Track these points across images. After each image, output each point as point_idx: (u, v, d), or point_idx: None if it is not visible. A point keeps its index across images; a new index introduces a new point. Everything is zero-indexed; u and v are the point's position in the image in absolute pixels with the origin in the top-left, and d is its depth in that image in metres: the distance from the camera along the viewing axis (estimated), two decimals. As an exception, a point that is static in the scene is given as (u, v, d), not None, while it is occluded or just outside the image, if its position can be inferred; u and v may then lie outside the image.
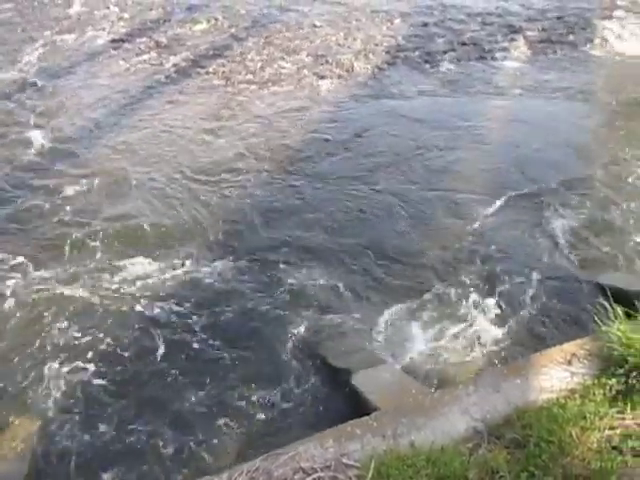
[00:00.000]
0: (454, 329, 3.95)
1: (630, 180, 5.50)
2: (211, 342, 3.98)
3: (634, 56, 9.18)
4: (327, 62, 8.75)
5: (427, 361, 3.74)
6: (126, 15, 10.88)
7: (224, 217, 5.29)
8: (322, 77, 8.27)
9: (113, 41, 9.75)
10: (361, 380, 3.43)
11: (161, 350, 3.92)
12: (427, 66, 8.68)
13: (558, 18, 11.17)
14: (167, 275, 4.56)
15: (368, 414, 2.83)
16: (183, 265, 4.68)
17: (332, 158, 6.19)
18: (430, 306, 4.16)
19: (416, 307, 4.15)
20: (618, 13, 11.46)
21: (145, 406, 3.57)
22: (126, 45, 9.58)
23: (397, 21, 10.85)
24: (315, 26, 10.30)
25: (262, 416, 3.47)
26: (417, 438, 2.62)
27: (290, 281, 4.45)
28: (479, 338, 3.85)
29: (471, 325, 3.97)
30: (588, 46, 9.47)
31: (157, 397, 3.63)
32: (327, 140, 6.59)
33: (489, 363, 3.66)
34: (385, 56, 9.10)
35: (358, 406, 3.25)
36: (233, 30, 10.19)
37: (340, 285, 4.39)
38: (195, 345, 3.94)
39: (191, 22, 10.51)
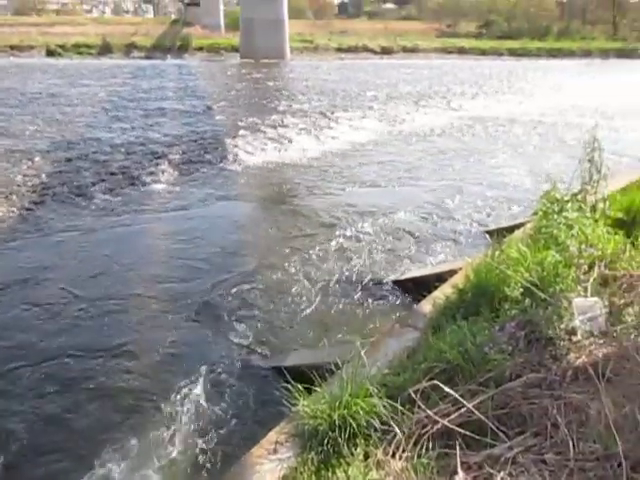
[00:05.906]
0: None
1: (292, 270, 6.28)
2: None
3: (259, 166, 10.98)
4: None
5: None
6: None
7: None
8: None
9: None
10: None
11: None
12: (79, 199, 8.55)
13: (194, 141, 12.56)
14: None
15: None
16: None
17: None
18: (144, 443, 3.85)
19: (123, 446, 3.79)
20: (242, 132, 13.57)
21: None
22: None
23: (37, 159, 10.51)
24: None
25: None
26: None
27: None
28: (188, 459, 3.72)
29: (174, 453, 3.81)
30: (223, 162, 10.90)
31: None
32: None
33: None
34: (31, 196, 8.61)
35: None
36: None
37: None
38: None
39: None
